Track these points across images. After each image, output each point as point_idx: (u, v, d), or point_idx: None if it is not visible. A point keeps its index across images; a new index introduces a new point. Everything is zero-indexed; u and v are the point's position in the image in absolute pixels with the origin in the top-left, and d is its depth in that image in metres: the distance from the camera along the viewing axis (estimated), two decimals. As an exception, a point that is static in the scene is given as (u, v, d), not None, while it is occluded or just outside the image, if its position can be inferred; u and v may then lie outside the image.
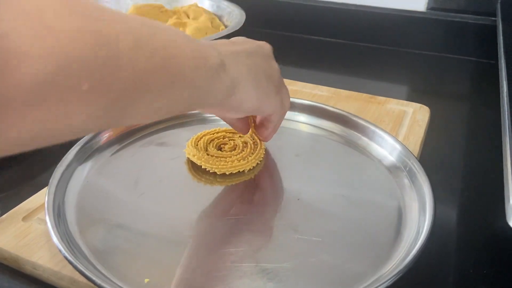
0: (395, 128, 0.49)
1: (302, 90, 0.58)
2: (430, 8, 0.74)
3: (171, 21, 0.78)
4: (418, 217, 0.34)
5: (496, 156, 0.49)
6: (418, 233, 0.32)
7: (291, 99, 0.50)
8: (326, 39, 0.82)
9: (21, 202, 0.38)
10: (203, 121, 0.50)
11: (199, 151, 0.42)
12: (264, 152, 0.44)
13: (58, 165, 0.38)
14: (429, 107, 0.54)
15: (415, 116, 0.52)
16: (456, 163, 0.48)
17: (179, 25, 0.77)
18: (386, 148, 0.42)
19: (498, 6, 0.67)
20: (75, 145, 0.41)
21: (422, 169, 0.37)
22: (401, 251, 0.31)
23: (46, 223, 0.34)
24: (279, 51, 0.80)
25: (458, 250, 0.37)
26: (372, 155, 0.43)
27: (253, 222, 0.36)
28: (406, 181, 0.38)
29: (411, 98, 0.61)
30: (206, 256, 0.33)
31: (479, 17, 0.72)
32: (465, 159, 0.49)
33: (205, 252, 0.33)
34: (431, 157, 0.47)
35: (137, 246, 0.33)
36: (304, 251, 0.33)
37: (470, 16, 0.72)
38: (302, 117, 0.49)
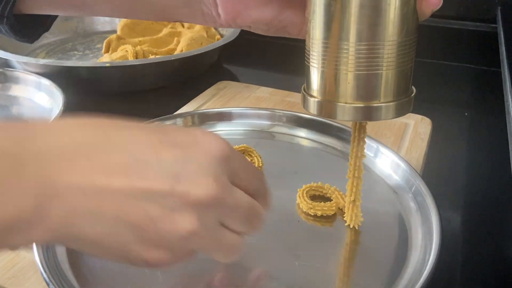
0: (396, 142, 0.48)
1: (299, 102, 0.56)
2: (429, 15, 0.73)
3: (166, 30, 0.76)
4: (424, 244, 0.32)
5: (500, 168, 0.48)
6: (424, 262, 0.30)
7: (292, 113, 0.48)
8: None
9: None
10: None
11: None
12: (262, 170, 0.42)
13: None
14: (429, 116, 0.53)
15: (416, 129, 0.50)
16: (459, 177, 0.47)
17: (173, 35, 0.76)
18: (391, 166, 0.41)
19: (499, 12, 0.65)
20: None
21: (429, 191, 0.35)
22: (407, 279, 0.30)
23: (33, 252, 0.32)
24: (277, 60, 0.80)
25: (464, 274, 0.36)
26: (375, 173, 0.41)
27: (251, 245, 0.34)
28: (412, 204, 0.36)
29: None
30: (201, 280, 0.31)
31: (478, 23, 0.70)
32: (469, 172, 0.48)
33: (199, 277, 0.31)
34: (434, 171, 0.46)
35: (127, 273, 0.31)
36: (306, 281, 0.31)
37: (469, 23, 0.71)
38: (301, 132, 0.48)
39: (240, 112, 0.50)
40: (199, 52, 0.63)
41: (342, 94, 0.26)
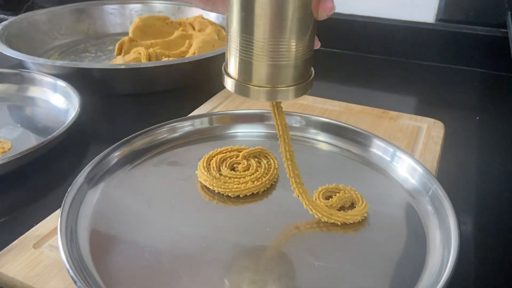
0: (410, 145, 0.48)
1: (312, 105, 0.57)
2: (439, 19, 0.73)
3: (177, 33, 0.77)
4: (442, 247, 0.33)
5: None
6: (442, 265, 0.31)
7: (307, 115, 0.49)
8: (334, 51, 0.81)
9: (30, 224, 0.37)
10: (213, 138, 0.49)
11: (210, 174, 0.41)
12: (278, 172, 0.43)
13: (69, 189, 0.37)
14: (441, 119, 0.53)
15: (429, 133, 0.51)
16: (472, 180, 0.47)
17: (185, 37, 0.76)
18: (407, 170, 0.41)
19: (509, 18, 0.66)
20: (86, 166, 0.40)
21: (447, 195, 0.36)
22: (427, 282, 0.30)
23: (57, 250, 0.33)
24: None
25: (478, 276, 0.36)
26: (392, 177, 0.42)
27: (269, 246, 0.35)
28: (429, 207, 0.37)
29: (421, 110, 0.60)
30: (222, 281, 0.32)
31: (488, 28, 0.71)
32: (481, 175, 0.48)
33: (221, 278, 0.32)
34: (446, 174, 0.46)
35: (152, 274, 0.32)
36: (325, 280, 0.31)
37: (479, 27, 0.71)
38: (317, 135, 0.48)
39: (256, 114, 0.50)
40: (212, 55, 0.64)
41: (254, 78, 0.31)
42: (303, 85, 0.32)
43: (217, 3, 0.34)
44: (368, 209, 0.37)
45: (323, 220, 0.36)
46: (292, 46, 0.29)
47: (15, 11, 0.88)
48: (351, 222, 0.36)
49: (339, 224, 0.36)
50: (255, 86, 0.31)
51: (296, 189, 0.36)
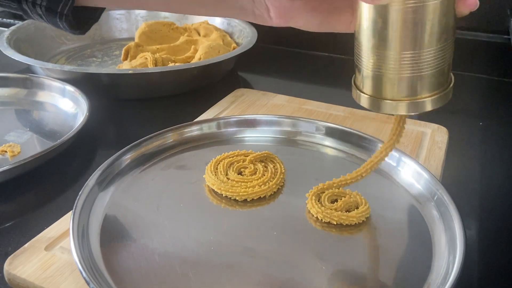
0: (414, 150, 0.49)
1: (317, 110, 0.58)
2: (442, 26, 0.74)
3: (183, 38, 0.78)
4: (448, 253, 0.33)
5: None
6: (448, 269, 0.31)
7: (314, 121, 0.50)
8: (338, 56, 0.82)
9: (41, 226, 0.37)
10: (221, 142, 0.49)
11: (218, 178, 0.42)
12: (285, 177, 0.44)
13: (81, 192, 0.38)
14: (444, 125, 0.54)
15: (433, 138, 0.51)
16: (475, 185, 0.48)
17: (190, 43, 0.77)
18: (413, 175, 0.42)
19: (511, 24, 0.67)
20: (96, 170, 0.41)
21: (452, 200, 0.36)
22: (433, 286, 0.31)
23: (69, 252, 0.34)
24: (291, 68, 0.81)
25: (481, 280, 0.36)
26: (397, 182, 0.42)
27: (276, 250, 0.35)
28: (434, 212, 0.37)
29: (425, 115, 0.61)
30: (231, 283, 0.32)
31: (491, 35, 0.72)
32: (484, 180, 0.48)
33: (229, 280, 0.32)
34: (450, 179, 0.46)
35: (162, 276, 0.32)
36: (332, 283, 0.32)
37: (482, 34, 0.72)
38: (323, 140, 0.49)
39: (263, 119, 0.51)
40: (218, 60, 0.65)
41: (389, 92, 0.29)
42: (444, 93, 0.30)
43: (334, 26, 0.33)
44: (368, 213, 0.38)
45: (319, 218, 0.38)
46: (431, 55, 0.28)
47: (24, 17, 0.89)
48: (346, 223, 0.37)
49: (335, 223, 0.37)
50: (392, 100, 0.29)
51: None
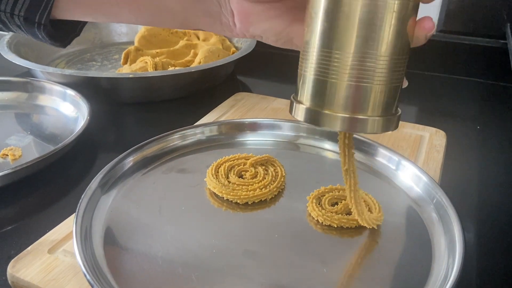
0: (413, 154, 0.50)
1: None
2: (439, 30, 0.75)
3: (182, 42, 0.79)
4: (447, 256, 0.34)
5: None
6: (447, 272, 0.32)
7: (313, 126, 0.50)
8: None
9: (44, 229, 0.37)
10: (221, 146, 0.50)
11: (219, 181, 0.42)
12: (285, 180, 0.44)
13: (83, 195, 0.38)
14: (442, 128, 0.54)
15: (432, 141, 0.52)
16: (473, 188, 0.48)
17: (190, 47, 0.78)
18: (412, 179, 0.42)
19: (508, 29, 0.68)
20: (99, 173, 0.41)
21: (451, 204, 0.37)
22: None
23: (72, 255, 0.34)
24: (291, 72, 0.81)
25: (480, 283, 0.37)
26: (397, 185, 0.43)
27: (278, 253, 0.36)
28: (434, 216, 0.38)
29: (423, 119, 0.61)
30: (233, 285, 0.32)
31: (488, 39, 0.73)
32: (482, 183, 0.49)
33: (232, 283, 0.33)
34: (448, 182, 0.47)
35: (165, 279, 0.33)
36: (333, 286, 0.32)
37: (479, 38, 0.73)
38: (324, 144, 0.49)
39: (264, 123, 0.51)
40: (218, 64, 0.65)
41: (330, 103, 0.26)
42: (392, 119, 0.26)
43: (292, 39, 0.32)
44: (381, 220, 0.38)
45: (320, 221, 0.38)
46: (381, 64, 0.25)
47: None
48: (347, 226, 0.37)
49: (335, 226, 0.37)
50: (331, 112, 0.26)
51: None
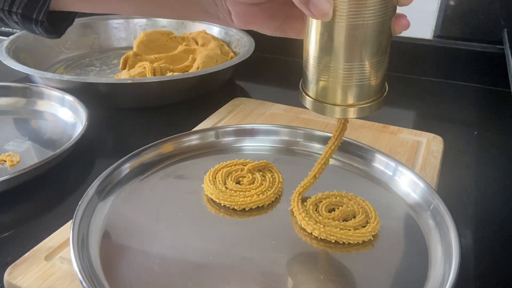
0: (410, 159, 0.50)
1: (314, 119, 0.59)
2: (436, 36, 0.75)
3: (181, 47, 0.79)
4: (444, 262, 0.34)
5: (511, 185, 0.50)
6: (444, 279, 0.32)
7: (310, 131, 0.50)
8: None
9: (41, 236, 0.38)
10: (219, 152, 0.50)
11: (216, 187, 0.42)
12: (283, 186, 0.44)
13: (80, 202, 0.38)
14: (439, 134, 0.55)
15: (429, 147, 0.52)
16: (471, 194, 0.48)
17: (188, 52, 0.78)
18: (409, 185, 0.42)
19: (505, 34, 0.68)
20: (96, 179, 0.41)
21: (448, 210, 0.37)
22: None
23: (68, 262, 0.34)
24: (288, 77, 0.82)
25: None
26: (394, 191, 0.43)
27: (275, 259, 0.36)
28: (431, 222, 0.38)
29: (420, 125, 0.61)
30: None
31: (485, 45, 0.73)
32: (480, 189, 0.49)
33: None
34: (446, 188, 0.47)
35: (162, 286, 0.33)
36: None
37: (476, 44, 0.73)
38: (321, 150, 0.49)
39: (261, 129, 0.51)
40: (216, 70, 0.66)
41: (331, 97, 0.33)
42: (379, 101, 0.34)
43: (287, 31, 0.36)
44: (376, 230, 0.38)
45: (315, 235, 0.38)
46: (366, 67, 0.31)
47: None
48: (343, 241, 0.37)
49: (333, 241, 0.37)
50: (333, 105, 0.33)
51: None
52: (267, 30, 0.37)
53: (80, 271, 0.31)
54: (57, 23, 0.40)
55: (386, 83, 0.34)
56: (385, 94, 0.34)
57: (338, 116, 0.34)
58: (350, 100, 0.33)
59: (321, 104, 0.34)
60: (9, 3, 0.37)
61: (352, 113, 0.33)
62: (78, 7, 0.39)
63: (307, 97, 0.34)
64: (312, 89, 0.34)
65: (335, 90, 0.33)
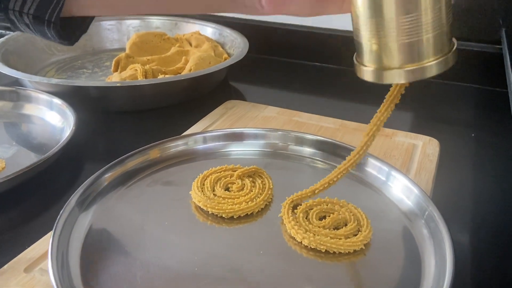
0: (405, 163, 0.48)
1: (308, 122, 0.57)
2: (434, 35, 0.74)
3: (174, 49, 0.77)
4: (438, 272, 0.32)
5: (509, 189, 0.48)
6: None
7: (302, 135, 0.49)
8: (330, 66, 0.82)
9: (23, 246, 0.36)
10: (208, 157, 0.49)
11: (205, 194, 0.41)
12: (273, 192, 0.43)
13: (61, 212, 0.37)
14: (436, 136, 0.53)
15: (425, 150, 0.51)
16: (467, 198, 0.47)
17: (181, 54, 0.77)
18: (403, 191, 0.41)
19: (503, 34, 0.66)
20: (78, 189, 0.40)
21: (442, 218, 0.35)
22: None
23: (49, 275, 0.33)
24: (282, 78, 0.81)
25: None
26: (387, 197, 0.41)
27: (263, 269, 0.34)
28: (424, 231, 0.37)
29: (416, 127, 0.60)
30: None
31: (483, 45, 0.71)
32: (476, 193, 0.48)
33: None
34: (442, 193, 0.46)
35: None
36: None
37: (474, 44, 0.72)
38: (312, 153, 0.48)
39: (251, 133, 0.50)
40: (208, 72, 0.64)
41: (390, 61, 0.29)
42: (443, 59, 0.29)
43: (328, 7, 0.33)
44: (368, 238, 0.37)
45: (305, 244, 0.36)
46: (427, 19, 0.28)
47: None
48: (333, 251, 0.36)
49: (323, 251, 0.36)
50: (393, 69, 0.29)
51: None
52: (304, 10, 0.33)
53: (57, 285, 0.30)
54: (70, 29, 0.39)
55: (453, 38, 0.30)
56: (453, 48, 0.30)
57: (402, 80, 0.30)
58: (412, 60, 0.29)
59: (381, 71, 0.30)
60: (20, 4, 0.35)
61: (416, 74, 0.29)
62: (96, 11, 0.37)
63: (364, 68, 0.31)
64: (368, 57, 0.30)
65: (393, 51, 0.29)
